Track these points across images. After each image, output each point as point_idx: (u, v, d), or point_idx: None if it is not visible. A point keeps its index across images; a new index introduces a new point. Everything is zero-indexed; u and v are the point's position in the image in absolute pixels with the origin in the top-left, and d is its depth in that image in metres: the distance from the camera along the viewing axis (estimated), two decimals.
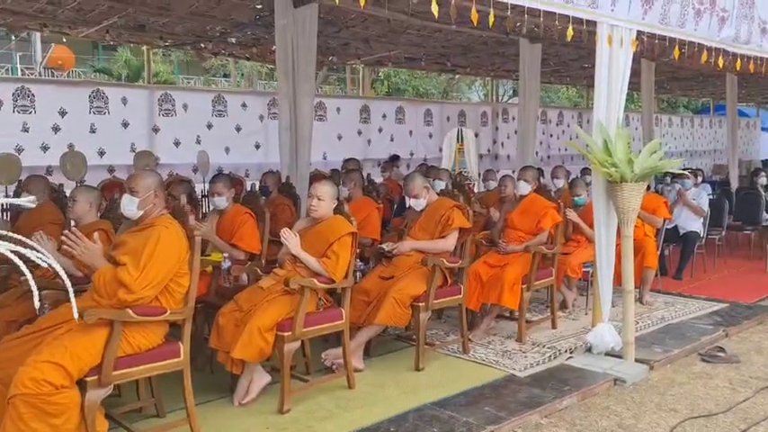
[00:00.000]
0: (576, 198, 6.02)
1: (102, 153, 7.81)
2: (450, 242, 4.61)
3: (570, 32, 4.26)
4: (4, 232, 1.71)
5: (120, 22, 7.17)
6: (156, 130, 8.32)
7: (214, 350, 3.90)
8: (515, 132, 10.72)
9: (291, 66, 5.61)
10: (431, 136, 11.52)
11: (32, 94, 7.38)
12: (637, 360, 4.48)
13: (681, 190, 7.45)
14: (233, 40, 8.38)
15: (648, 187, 5.69)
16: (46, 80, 12.91)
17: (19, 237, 1.70)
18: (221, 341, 3.75)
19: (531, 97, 7.78)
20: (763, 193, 8.73)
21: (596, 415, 3.76)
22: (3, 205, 5.98)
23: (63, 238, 3.10)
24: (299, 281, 3.73)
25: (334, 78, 23.73)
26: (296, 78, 5.61)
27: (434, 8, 3.54)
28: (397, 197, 7.49)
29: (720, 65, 5.29)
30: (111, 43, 11.87)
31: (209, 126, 8.77)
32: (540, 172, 7.13)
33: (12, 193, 6.00)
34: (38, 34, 15.90)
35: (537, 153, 11.22)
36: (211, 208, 4.95)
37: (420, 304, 4.30)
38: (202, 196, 7.17)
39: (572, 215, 5.70)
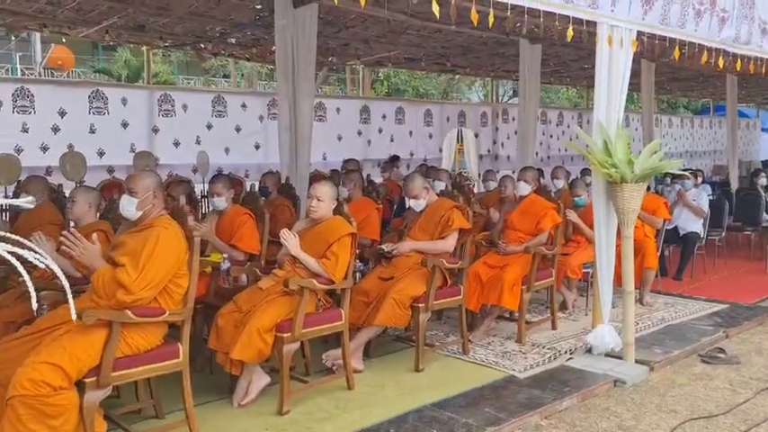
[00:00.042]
0: (575, 199, 6.00)
1: (101, 153, 7.81)
2: (449, 243, 4.60)
3: (570, 33, 4.26)
4: (3, 233, 1.70)
5: (120, 23, 7.17)
6: (155, 130, 8.32)
7: (213, 351, 3.89)
8: (515, 133, 10.72)
9: (291, 66, 5.61)
10: (431, 136, 11.52)
11: (32, 95, 7.38)
12: (637, 361, 4.47)
13: (681, 191, 7.44)
14: (233, 40, 8.38)
15: (648, 188, 5.67)
16: (45, 80, 12.88)
17: (17, 237, 1.69)
18: (220, 342, 3.74)
19: (531, 98, 7.77)
20: (763, 193, 8.72)
21: (596, 416, 3.75)
22: (2, 206, 5.97)
23: (62, 238, 3.10)
24: (298, 282, 3.72)
25: (334, 79, 23.72)
26: (296, 79, 5.61)
27: (435, 8, 3.53)
28: (397, 198, 7.48)
29: (720, 65, 5.29)
30: (111, 43, 11.85)
31: (209, 126, 8.77)
32: (540, 172, 7.13)
33: (11, 194, 5.99)
34: (37, 34, 15.91)
35: (537, 154, 11.24)
36: (211, 208, 4.94)
37: (420, 305, 4.30)
38: (202, 197, 7.15)
39: (572, 216, 5.69)
